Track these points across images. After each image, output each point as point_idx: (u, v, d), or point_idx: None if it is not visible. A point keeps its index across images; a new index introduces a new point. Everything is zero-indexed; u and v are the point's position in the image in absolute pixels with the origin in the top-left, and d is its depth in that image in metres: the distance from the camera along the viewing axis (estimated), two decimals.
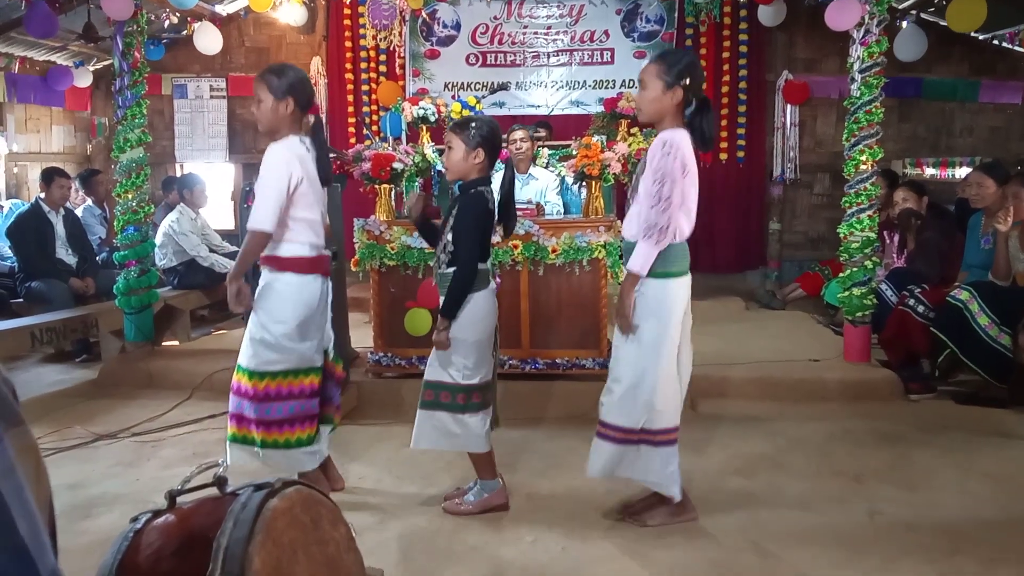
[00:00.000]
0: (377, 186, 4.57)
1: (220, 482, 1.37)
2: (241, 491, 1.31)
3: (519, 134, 5.36)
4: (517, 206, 4.76)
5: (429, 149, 4.96)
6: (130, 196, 5.13)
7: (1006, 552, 2.67)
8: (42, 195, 6.00)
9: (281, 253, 2.96)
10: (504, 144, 5.63)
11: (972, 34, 6.67)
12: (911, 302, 4.57)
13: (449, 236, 2.87)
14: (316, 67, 7.84)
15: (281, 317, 2.94)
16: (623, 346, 2.82)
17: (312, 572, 1.31)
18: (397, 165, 4.46)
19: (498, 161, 3.00)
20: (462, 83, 7.77)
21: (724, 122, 7.63)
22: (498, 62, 7.79)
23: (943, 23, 6.12)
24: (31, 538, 0.72)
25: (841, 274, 4.85)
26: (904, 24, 6.55)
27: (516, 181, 5.36)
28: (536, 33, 7.72)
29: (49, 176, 5.97)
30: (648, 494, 2.99)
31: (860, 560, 2.63)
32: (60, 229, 5.98)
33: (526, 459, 3.61)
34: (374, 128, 7.21)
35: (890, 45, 4.70)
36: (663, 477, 2.85)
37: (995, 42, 7.01)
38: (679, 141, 2.65)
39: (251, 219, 2.86)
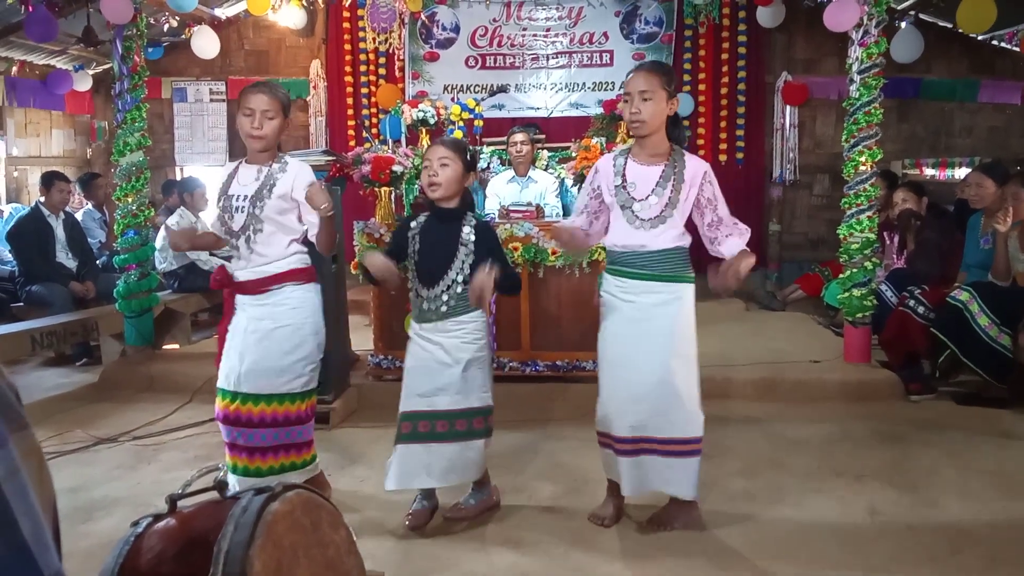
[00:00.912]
0: (377, 189, 4.57)
1: (221, 486, 1.37)
2: (242, 495, 1.31)
3: (519, 136, 5.37)
4: (517, 209, 4.79)
5: None
6: (130, 199, 5.14)
7: (1007, 552, 2.67)
8: (42, 199, 6.01)
9: (304, 264, 2.96)
10: (504, 146, 5.64)
11: (970, 34, 6.67)
12: (911, 303, 4.57)
13: (467, 269, 2.81)
14: (316, 70, 7.86)
15: (317, 328, 2.97)
16: (657, 352, 2.74)
17: (313, 574, 1.31)
18: (397, 168, 4.46)
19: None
20: (461, 85, 7.78)
21: (723, 123, 7.65)
22: (497, 64, 7.80)
23: (942, 23, 6.14)
24: (34, 539, 0.73)
25: (841, 275, 4.85)
26: (903, 25, 6.56)
27: (516, 183, 5.40)
28: (535, 35, 7.73)
29: (49, 180, 5.97)
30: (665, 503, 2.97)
31: (861, 560, 2.63)
32: (60, 233, 5.99)
33: (527, 461, 3.61)
34: (374, 131, 7.21)
35: (888, 46, 4.71)
36: (695, 482, 2.84)
37: (994, 42, 7.02)
38: None
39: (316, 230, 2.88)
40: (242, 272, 2.93)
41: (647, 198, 2.74)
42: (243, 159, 3.00)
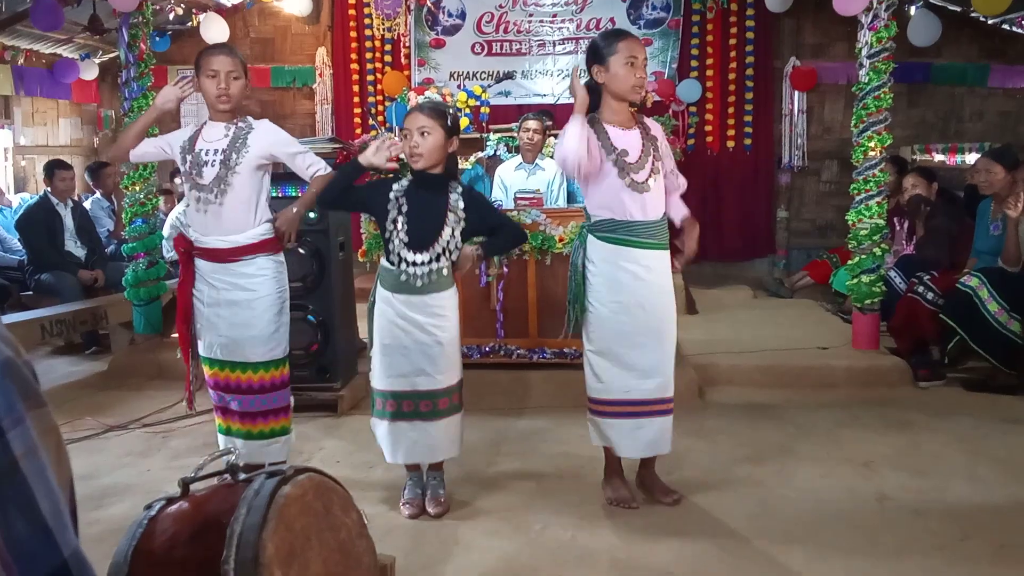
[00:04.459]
0: (384, 176, 4.56)
1: (233, 469, 1.38)
2: (254, 478, 1.31)
3: (532, 124, 5.33)
4: (524, 196, 4.78)
5: None
6: (138, 188, 5.15)
7: (1015, 537, 2.67)
8: (49, 188, 6.02)
9: (272, 234, 2.98)
10: (511, 132, 5.62)
11: (981, 18, 6.61)
12: (920, 289, 4.55)
13: (458, 236, 2.82)
14: (321, 57, 7.84)
15: (286, 296, 3.01)
16: (658, 315, 2.86)
17: (324, 557, 1.32)
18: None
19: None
20: (468, 72, 7.74)
21: (731, 109, 7.60)
22: (503, 51, 7.76)
23: (952, 7, 6.09)
24: (53, 517, 0.73)
25: (850, 261, 4.83)
26: (913, 9, 6.50)
27: (523, 170, 5.38)
28: (541, 21, 7.69)
29: (50, 169, 5.98)
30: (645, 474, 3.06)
31: (870, 546, 2.63)
32: (69, 221, 5.99)
33: (535, 447, 3.62)
34: (380, 118, 7.20)
35: (899, 30, 4.66)
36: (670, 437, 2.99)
37: (1005, 26, 6.95)
38: None
39: (321, 166, 2.95)
40: (210, 239, 2.92)
41: (639, 160, 2.81)
42: (204, 123, 2.99)
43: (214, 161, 2.88)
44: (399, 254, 2.80)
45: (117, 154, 3.17)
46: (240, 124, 2.92)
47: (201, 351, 3.00)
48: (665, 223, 2.90)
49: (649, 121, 2.95)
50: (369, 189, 2.94)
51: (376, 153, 2.80)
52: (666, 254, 2.90)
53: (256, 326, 2.91)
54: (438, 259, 2.80)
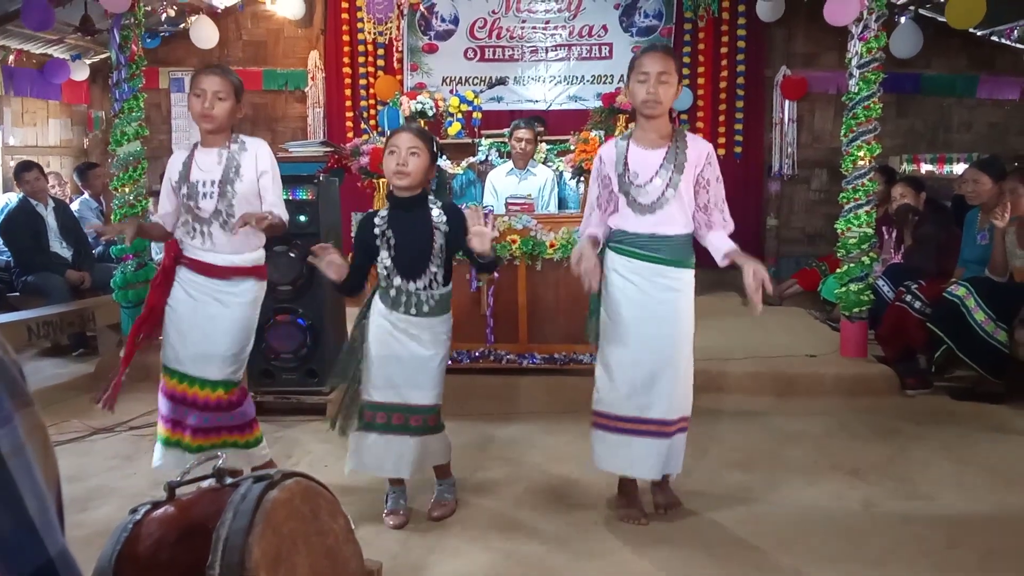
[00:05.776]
0: (375, 180, 4.56)
1: (219, 473, 1.37)
2: (241, 482, 1.31)
3: (524, 134, 5.34)
4: (515, 201, 4.78)
5: None
6: (127, 190, 5.12)
7: (1002, 545, 2.69)
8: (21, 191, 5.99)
9: (263, 261, 3.00)
10: (503, 138, 5.63)
11: (970, 30, 6.67)
12: (908, 298, 4.58)
13: (443, 251, 2.81)
14: (314, 61, 7.83)
15: (255, 323, 3.00)
16: (666, 335, 2.78)
17: (311, 562, 1.32)
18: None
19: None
20: (460, 78, 7.75)
21: (722, 117, 7.63)
22: (496, 57, 7.77)
23: (941, 19, 6.13)
24: (39, 516, 0.73)
25: (838, 270, 4.86)
26: (902, 20, 6.55)
27: (514, 176, 5.39)
28: (534, 28, 7.71)
29: (18, 173, 5.94)
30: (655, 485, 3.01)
31: (857, 553, 2.64)
32: (52, 222, 5.92)
33: (524, 452, 3.61)
34: (372, 122, 7.19)
35: (888, 41, 4.71)
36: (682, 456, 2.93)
37: (993, 38, 7.02)
38: None
39: (283, 216, 2.90)
40: (207, 255, 2.89)
41: (649, 183, 2.75)
42: (195, 144, 2.95)
43: (212, 193, 2.85)
44: (396, 285, 2.81)
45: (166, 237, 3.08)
46: (232, 146, 2.88)
47: (166, 361, 2.96)
48: (685, 242, 2.82)
49: (693, 141, 2.82)
50: (361, 235, 2.88)
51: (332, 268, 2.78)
52: (681, 272, 2.81)
53: (224, 344, 2.89)
54: (434, 282, 2.81)
